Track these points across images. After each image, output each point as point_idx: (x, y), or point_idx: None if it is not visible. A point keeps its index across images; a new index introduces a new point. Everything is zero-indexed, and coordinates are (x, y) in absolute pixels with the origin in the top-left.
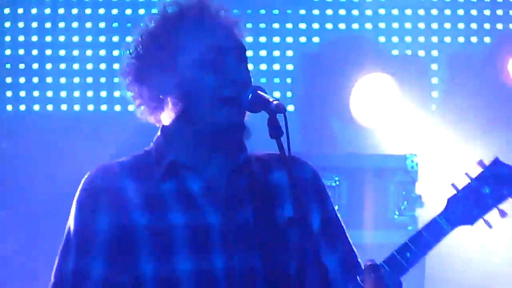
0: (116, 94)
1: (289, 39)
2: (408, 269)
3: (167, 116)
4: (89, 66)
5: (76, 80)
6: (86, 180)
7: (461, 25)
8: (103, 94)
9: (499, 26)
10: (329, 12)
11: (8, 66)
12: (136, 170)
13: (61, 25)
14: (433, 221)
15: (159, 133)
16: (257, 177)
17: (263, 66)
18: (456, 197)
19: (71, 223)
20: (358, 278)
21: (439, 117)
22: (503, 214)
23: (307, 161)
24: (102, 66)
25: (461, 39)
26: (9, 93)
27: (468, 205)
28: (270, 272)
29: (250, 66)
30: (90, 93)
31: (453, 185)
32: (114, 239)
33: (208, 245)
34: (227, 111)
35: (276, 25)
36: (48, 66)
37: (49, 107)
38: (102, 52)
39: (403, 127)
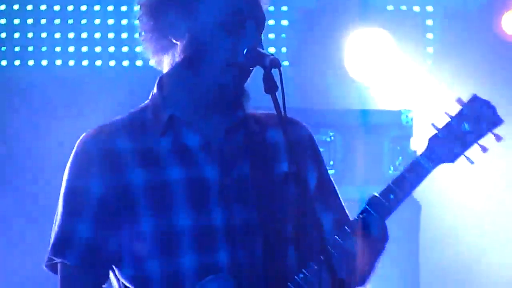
0: (125, 49)
1: None
2: (392, 211)
3: (169, 62)
4: (97, 21)
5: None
6: (79, 143)
7: None
8: (111, 49)
9: None
10: None
11: (16, 21)
12: (131, 127)
13: None
14: (415, 162)
15: (155, 89)
16: (254, 135)
17: None
18: (437, 136)
19: (63, 185)
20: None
21: (435, 72)
22: (484, 149)
23: (302, 122)
24: (110, 21)
25: None
26: (17, 48)
27: (449, 142)
28: (268, 227)
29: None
30: (98, 49)
31: (433, 124)
32: (107, 200)
33: (207, 200)
34: (235, 76)
35: None
36: (57, 21)
37: (58, 62)
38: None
39: (398, 83)
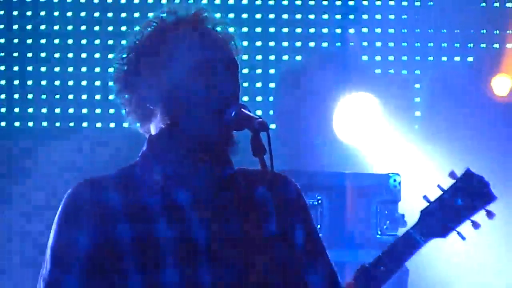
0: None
1: (272, 57)
2: (383, 283)
3: (155, 127)
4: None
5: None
6: (68, 195)
7: (444, 44)
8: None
9: (483, 45)
10: (312, 30)
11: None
12: (122, 183)
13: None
14: (407, 234)
15: (145, 146)
16: (243, 192)
17: (245, 84)
18: (429, 209)
19: (51, 237)
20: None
21: (422, 136)
22: (476, 226)
23: (290, 178)
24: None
25: (444, 58)
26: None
27: (441, 217)
28: (257, 287)
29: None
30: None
31: (425, 197)
32: (97, 254)
33: (196, 258)
34: (214, 125)
35: (258, 43)
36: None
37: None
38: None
39: (386, 146)
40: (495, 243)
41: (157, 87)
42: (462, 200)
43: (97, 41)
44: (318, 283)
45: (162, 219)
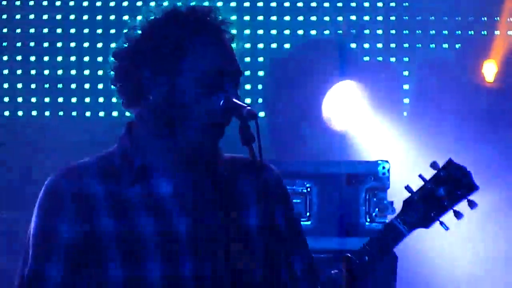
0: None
1: (260, 45)
2: (366, 274)
3: (142, 115)
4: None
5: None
6: (48, 183)
7: (432, 31)
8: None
9: (471, 32)
10: (300, 18)
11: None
12: (101, 172)
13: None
14: (391, 224)
15: (123, 133)
16: (224, 181)
17: None
18: (412, 199)
19: (32, 227)
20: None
21: (411, 123)
22: (458, 215)
23: (271, 165)
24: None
25: (432, 45)
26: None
27: (424, 207)
28: (237, 279)
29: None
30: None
31: (407, 187)
32: (78, 244)
33: (177, 252)
34: (212, 135)
35: (247, 31)
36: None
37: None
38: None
39: (375, 133)
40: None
41: (167, 78)
42: (444, 190)
43: (99, 31)
44: (296, 268)
45: (143, 210)
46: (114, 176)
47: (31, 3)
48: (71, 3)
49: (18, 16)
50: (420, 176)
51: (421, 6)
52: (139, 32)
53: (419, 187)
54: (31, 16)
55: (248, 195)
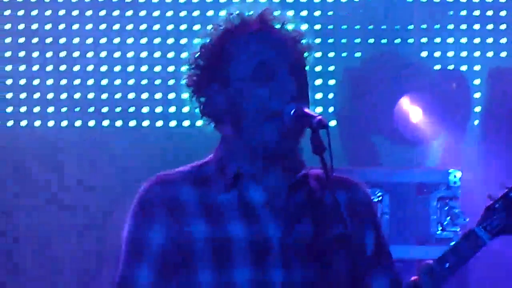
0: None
1: (331, 54)
2: (446, 281)
3: (227, 127)
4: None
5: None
6: (142, 189)
7: (503, 40)
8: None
9: None
10: (370, 26)
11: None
12: (194, 180)
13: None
14: (472, 232)
15: (219, 144)
16: (315, 194)
17: None
18: (494, 206)
19: (124, 234)
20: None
21: (482, 132)
22: None
23: (362, 184)
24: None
25: (503, 54)
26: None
27: (508, 214)
28: None
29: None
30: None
31: (489, 195)
32: (169, 249)
33: (267, 258)
34: (272, 132)
35: (317, 40)
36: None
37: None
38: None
39: (446, 143)
40: None
41: (223, 90)
42: None
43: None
44: (387, 285)
45: (235, 217)
46: (207, 184)
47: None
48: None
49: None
50: (503, 183)
51: (492, 14)
52: (199, 51)
53: (501, 194)
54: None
55: (338, 208)
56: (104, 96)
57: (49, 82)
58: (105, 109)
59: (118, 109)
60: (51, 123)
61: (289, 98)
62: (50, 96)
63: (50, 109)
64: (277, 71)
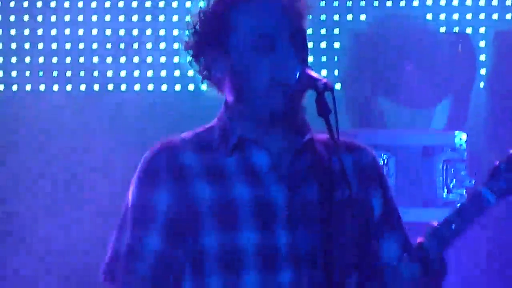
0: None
1: (336, 17)
2: (452, 243)
3: (228, 93)
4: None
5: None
6: (146, 155)
7: (508, 2)
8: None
9: None
10: None
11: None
12: (198, 145)
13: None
14: (477, 193)
15: (222, 109)
16: (321, 158)
17: (310, 44)
18: (500, 167)
19: (129, 199)
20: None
21: (487, 94)
22: None
23: (368, 147)
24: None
25: (508, 16)
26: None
27: None
28: (331, 252)
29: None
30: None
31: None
32: (174, 213)
33: (272, 221)
34: (277, 97)
35: (322, 3)
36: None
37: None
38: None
39: (451, 105)
40: None
41: (223, 57)
42: None
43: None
44: (393, 251)
45: (240, 180)
46: (211, 148)
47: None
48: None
49: None
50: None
51: None
52: (198, 17)
53: (507, 155)
54: None
55: (344, 172)
56: (109, 60)
57: (54, 46)
58: (109, 73)
59: (123, 73)
60: (55, 87)
61: (293, 68)
62: (54, 60)
63: (55, 73)
64: (278, 40)
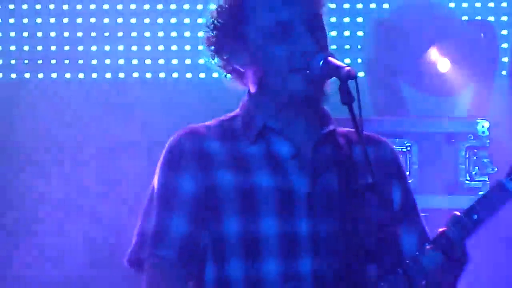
0: (188, 61)
1: (359, 5)
2: (473, 233)
3: (251, 83)
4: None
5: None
6: (171, 141)
7: None
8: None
9: None
10: None
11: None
12: (222, 132)
13: None
14: (499, 184)
15: (246, 98)
16: (341, 149)
17: (333, 33)
18: None
19: (155, 183)
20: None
21: (509, 82)
22: None
23: (385, 139)
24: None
25: None
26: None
27: None
28: (351, 240)
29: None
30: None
31: None
32: (198, 197)
33: (294, 208)
34: (297, 82)
35: None
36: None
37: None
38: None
39: (474, 92)
40: None
41: (242, 48)
42: None
43: None
44: (412, 243)
45: (262, 168)
46: (234, 137)
47: None
48: None
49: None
50: None
51: None
52: (216, 12)
53: None
54: None
55: (365, 162)
56: (121, 47)
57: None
58: (121, 61)
59: (134, 61)
60: (68, 75)
61: (311, 53)
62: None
63: (66, 61)
64: (295, 27)
